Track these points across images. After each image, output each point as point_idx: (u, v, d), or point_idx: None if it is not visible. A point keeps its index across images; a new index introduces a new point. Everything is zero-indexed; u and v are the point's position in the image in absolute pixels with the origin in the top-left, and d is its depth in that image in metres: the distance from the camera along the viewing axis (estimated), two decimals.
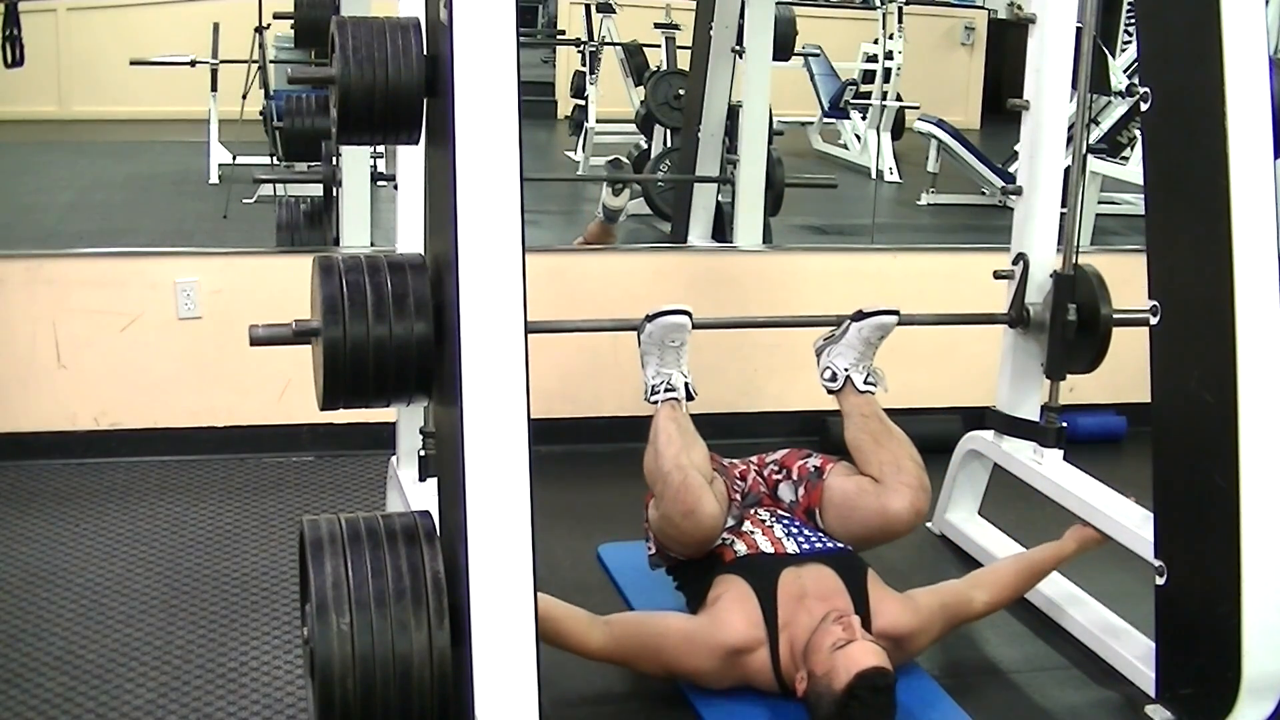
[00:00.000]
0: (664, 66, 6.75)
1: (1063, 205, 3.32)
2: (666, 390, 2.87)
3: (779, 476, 3.05)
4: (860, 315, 3.03)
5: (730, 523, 2.86)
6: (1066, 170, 3.32)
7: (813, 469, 3.02)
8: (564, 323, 3.13)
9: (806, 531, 2.87)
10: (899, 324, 3.07)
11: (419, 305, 2.19)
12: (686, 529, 2.73)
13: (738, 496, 2.94)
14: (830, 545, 2.83)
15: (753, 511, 2.94)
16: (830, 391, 3.08)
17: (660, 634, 2.68)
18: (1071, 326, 3.21)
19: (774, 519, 2.90)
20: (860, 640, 2.49)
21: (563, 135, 7.71)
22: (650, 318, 2.88)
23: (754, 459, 3.13)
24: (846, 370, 3.04)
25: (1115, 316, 3.16)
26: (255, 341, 2.25)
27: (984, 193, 6.92)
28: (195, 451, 4.03)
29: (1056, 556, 3.03)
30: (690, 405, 2.90)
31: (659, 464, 2.78)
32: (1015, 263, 3.35)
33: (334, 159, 4.30)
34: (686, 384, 2.89)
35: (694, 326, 2.91)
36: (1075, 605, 3.17)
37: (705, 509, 2.71)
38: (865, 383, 3.03)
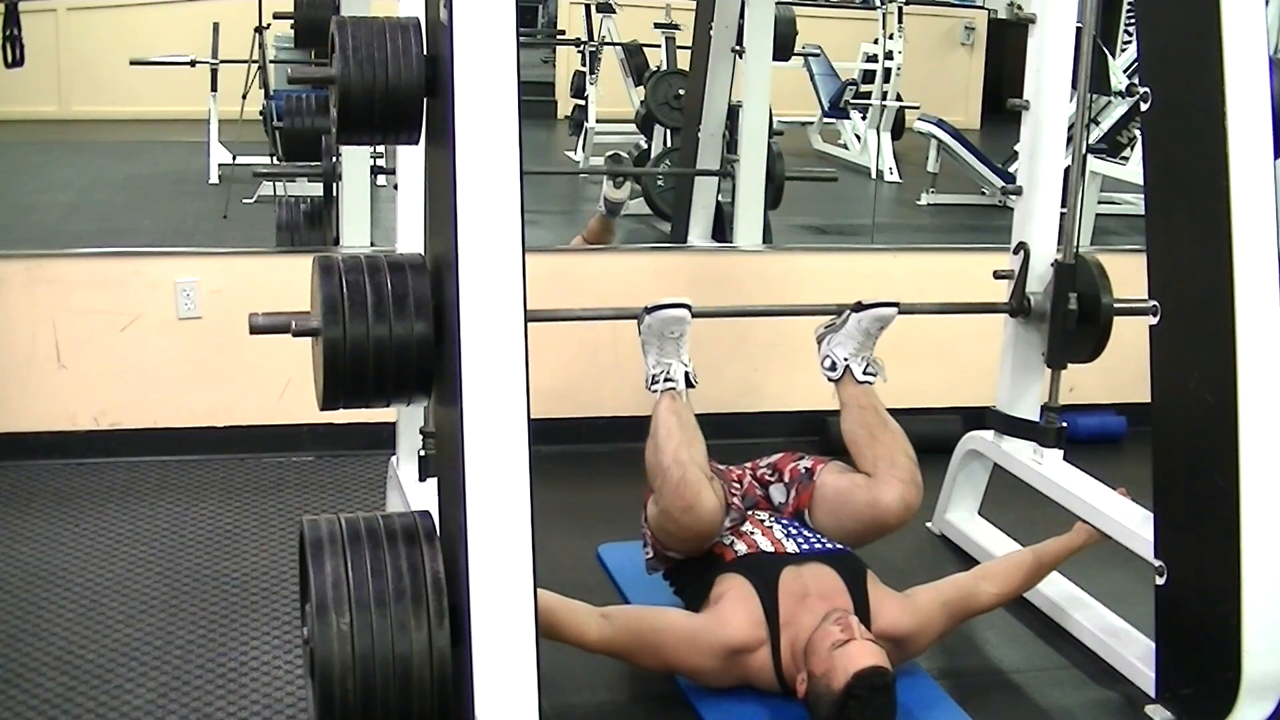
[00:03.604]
0: (664, 66, 6.75)
1: (1063, 205, 3.32)
2: (666, 380, 2.87)
3: (771, 479, 3.05)
4: (860, 306, 3.04)
5: (729, 523, 2.86)
6: (1066, 169, 3.32)
7: (804, 470, 3.02)
8: (563, 311, 3.12)
9: (805, 532, 2.87)
10: (900, 313, 3.06)
11: (419, 305, 2.19)
12: (686, 523, 2.73)
13: (736, 500, 2.94)
14: (829, 546, 2.83)
15: (751, 513, 2.94)
16: (830, 380, 3.08)
17: (661, 630, 2.68)
18: (1073, 316, 3.21)
19: (772, 520, 2.90)
20: (859, 640, 2.48)
21: (563, 135, 7.71)
22: (650, 310, 2.88)
23: (749, 464, 3.13)
24: (846, 360, 3.04)
25: (1116, 306, 3.15)
26: (255, 330, 2.25)
27: (984, 193, 6.93)
28: (195, 451, 4.03)
29: (1066, 549, 3.03)
30: (692, 401, 2.90)
31: (659, 459, 2.77)
32: (1016, 252, 3.34)
33: (334, 157, 4.30)
34: (687, 373, 2.89)
35: (693, 315, 2.91)
36: (1075, 606, 3.17)
37: (705, 504, 2.71)
38: (864, 373, 3.03)
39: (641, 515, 2.94)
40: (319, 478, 3.96)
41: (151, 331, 3.97)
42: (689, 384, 2.88)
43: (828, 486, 2.96)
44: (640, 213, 5.86)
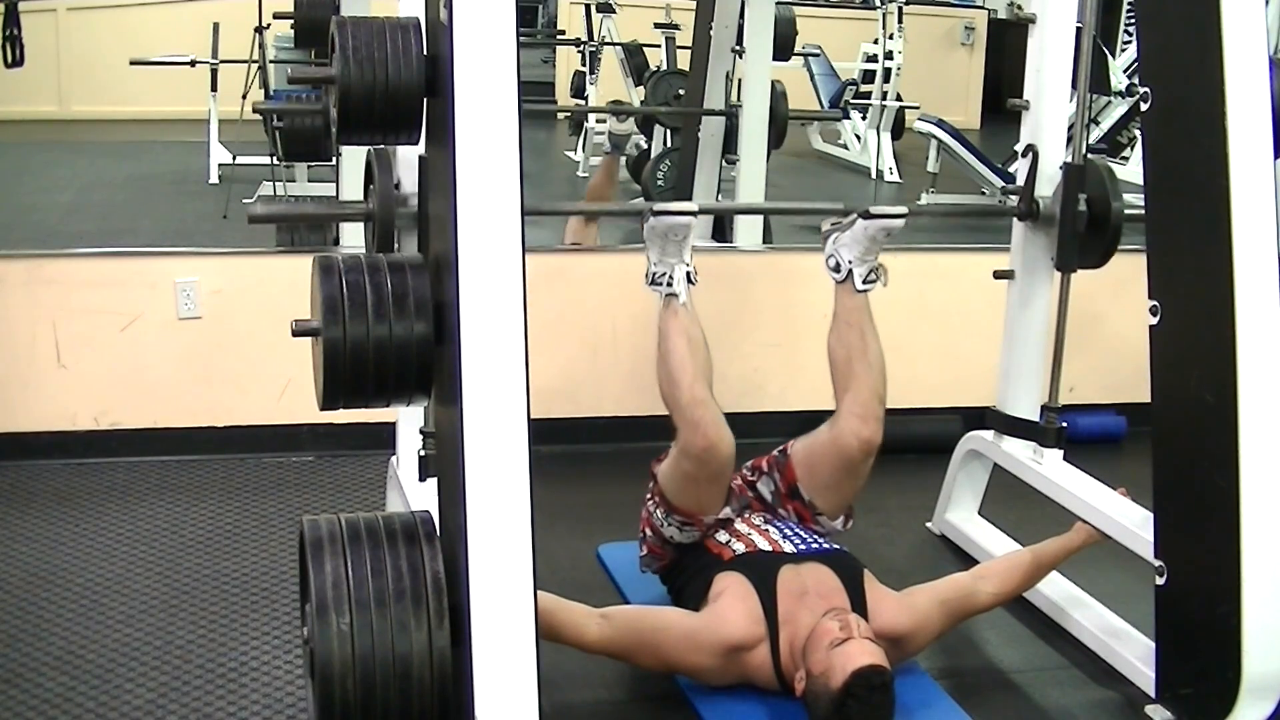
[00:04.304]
0: (664, 66, 6.76)
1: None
2: (667, 284, 2.88)
3: (754, 477, 3.05)
4: (869, 215, 2.99)
5: (729, 512, 2.88)
6: (1074, 78, 3.29)
7: (777, 454, 3.04)
8: (562, 206, 3.11)
9: (802, 533, 2.87)
10: (906, 217, 3.02)
11: (419, 305, 2.19)
12: (705, 461, 2.75)
13: (733, 502, 2.95)
14: (826, 546, 2.84)
15: (746, 514, 2.94)
16: (833, 279, 3.06)
17: (660, 629, 2.68)
18: (1082, 217, 3.17)
19: (768, 523, 2.90)
20: (857, 639, 2.49)
21: (563, 135, 7.72)
22: (656, 212, 2.87)
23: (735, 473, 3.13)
24: (851, 263, 3.03)
25: (1127, 213, 3.11)
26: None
27: (984, 193, 6.92)
28: (195, 451, 4.03)
29: (1065, 549, 3.03)
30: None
31: (676, 395, 2.80)
32: (1024, 154, 3.30)
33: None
34: (688, 272, 2.90)
35: (698, 213, 2.91)
36: (1075, 606, 3.17)
37: (724, 443, 2.75)
38: (865, 281, 3.01)
39: (641, 515, 2.94)
40: (319, 478, 3.96)
41: (151, 331, 3.97)
42: (690, 282, 2.89)
43: (800, 452, 2.98)
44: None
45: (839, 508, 2.97)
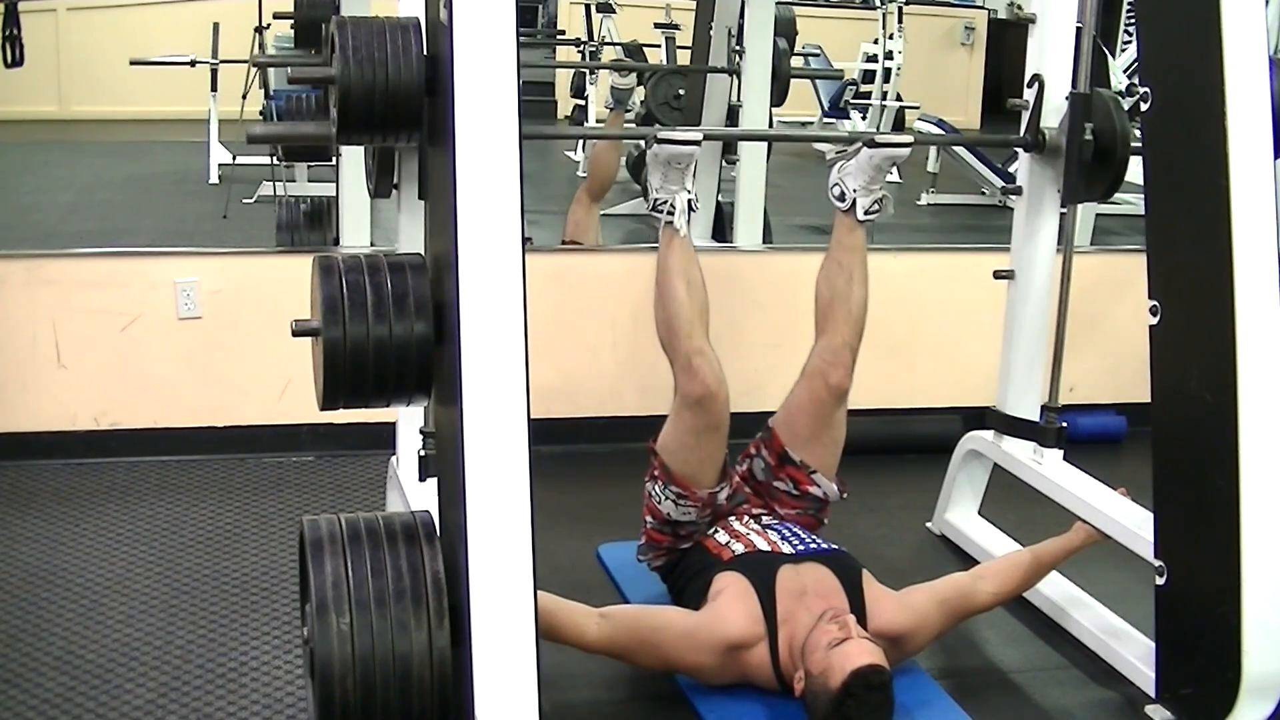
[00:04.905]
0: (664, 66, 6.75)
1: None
2: (667, 211, 2.93)
3: (745, 466, 3.06)
4: (874, 143, 3.01)
5: (723, 500, 2.90)
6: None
7: (761, 433, 3.05)
8: (569, 130, 3.14)
9: (800, 534, 2.87)
10: (911, 145, 3.05)
11: (419, 305, 2.19)
12: (705, 408, 2.79)
13: (727, 486, 2.95)
14: (824, 546, 2.84)
15: (744, 511, 2.95)
16: (837, 208, 3.08)
17: (660, 628, 2.68)
18: (1089, 147, 3.15)
19: (765, 525, 2.90)
20: (856, 638, 2.49)
21: None
22: (660, 140, 2.92)
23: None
24: (855, 192, 3.03)
25: (1134, 145, 3.09)
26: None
27: (984, 193, 6.93)
28: (195, 451, 4.03)
29: (1065, 549, 3.03)
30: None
31: (673, 340, 2.85)
32: (1030, 85, 3.28)
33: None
34: (690, 199, 2.94)
35: (703, 139, 2.95)
36: (1075, 606, 3.17)
37: (721, 392, 2.81)
38: (867, 211, 3.03)
39: (641, 516, 2.94)
40: (319, 478, 3.96)
41: (151, 331, 3.97)
42: (691, 209, 2.94)
43: (779, 417, 3.02)
44: (640, 213, 5.86)
45: (828, 464, 2.98)
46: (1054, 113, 3.25)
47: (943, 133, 6.99)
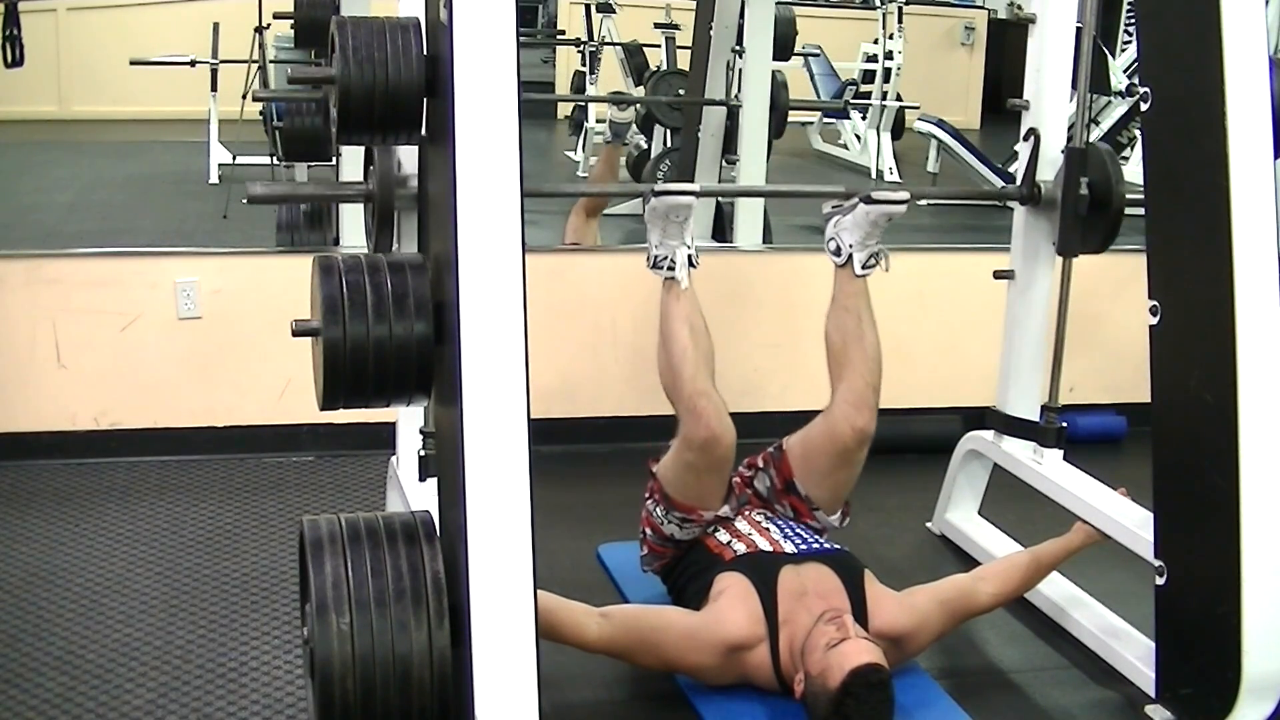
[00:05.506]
0: (664, 66, 6.75)
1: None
2: (668, 267, 2.91)
3: (750, 474, 3.06)
4: (870, 199, 3.00)
5: (726, 511, 2.88)
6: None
7: (772, 450, 3.04)
8: (564, 188, 3.13)
9: (802, 533, 2.87)
10: (909, 201, 3.03)
11: (419, 305, 2.19)
12: (708, 451, 2.77)
13: (732, 500, 2.95)
14: (826, 546, 2.84)
15: (747, 511, 2.95)
16: (834, 263, 3.07)
17: (660, 628, 2.68)
18: (1084, 201, 3.17)
19: (768, 521, 2.90)
20: (854, 639, 2.49)
21: (563, 135, 7.71)
22: (656, 193, 2.90)
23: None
24: (851, 246, 3.02)
25: (1129, 196, 3.10)
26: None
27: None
28: (195, 451, 4.03)
29: (1065, 549, 3.04)
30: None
31: (678, 386, 2.82)
32: (1026, 138, 3.30)
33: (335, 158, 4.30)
34: (690, 255, 2.92)
35: (699, 194, 2.93)
36: (1075, 606, 3.17)
37: (727, 436, 2.78)
38: (864, 266, 3.02)
39: (641, 511, 2.94)
40: (319, 478, 3.96)
41: (151, 331, 3.97)
42: (691, 265, 2.92)
43: (795, 446, 2.99)
44: (640, 213, 5.86)
45: (835, 501, 2.97)
46: (1049, 166, 3.26)
47: (943, 132, 6.99)
